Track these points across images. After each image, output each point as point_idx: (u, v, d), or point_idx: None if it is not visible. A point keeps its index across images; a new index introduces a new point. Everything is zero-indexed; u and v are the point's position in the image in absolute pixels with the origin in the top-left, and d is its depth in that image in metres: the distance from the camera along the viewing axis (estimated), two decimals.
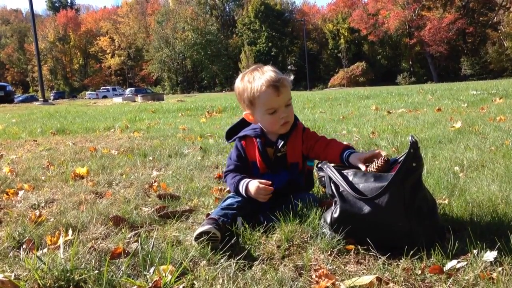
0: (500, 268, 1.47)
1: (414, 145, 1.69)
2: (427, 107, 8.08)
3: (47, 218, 2.26)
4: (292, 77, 2.15)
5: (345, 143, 2.13)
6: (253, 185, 2.03)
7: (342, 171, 1.88)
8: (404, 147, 3.70)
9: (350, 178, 1.83)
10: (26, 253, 1.78)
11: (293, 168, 2.19)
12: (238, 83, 2.18)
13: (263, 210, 2.10)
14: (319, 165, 1.95)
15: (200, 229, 1.79)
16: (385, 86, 40.35)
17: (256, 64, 2.21)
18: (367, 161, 1.92)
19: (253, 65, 2.23)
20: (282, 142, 2.16)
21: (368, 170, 1.85)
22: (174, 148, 4.47)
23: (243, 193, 2.07)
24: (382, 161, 1.84)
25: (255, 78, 2.08)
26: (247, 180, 2.09)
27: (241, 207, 2.04)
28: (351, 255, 1.68)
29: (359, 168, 1.90)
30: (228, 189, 2.64)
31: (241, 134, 2.25)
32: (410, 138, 1.71)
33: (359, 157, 1.94)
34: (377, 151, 1.94)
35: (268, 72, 2.08)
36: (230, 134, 2.33)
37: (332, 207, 1.85)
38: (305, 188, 2.29)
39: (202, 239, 1.77)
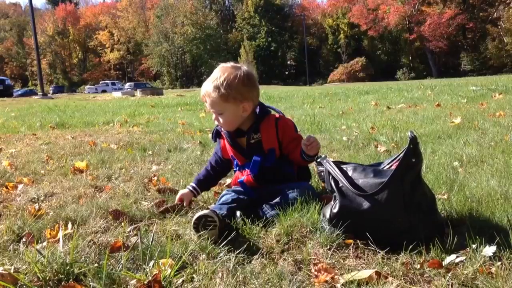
0: (499, 263, 1.47)
1: (414, 141, 1.69)
2: (427, 103, 8.07)
3: (46, 211, 2.26)
4: (219, 92, 2.12)
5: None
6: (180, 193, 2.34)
7: (341, 166, 1.88)
8: (404, 143, 3.71)
9: (350, 173, 1.83)
10: (25, 246, 1.78)
11: (270, 153, 2.24)
12: None
13: (258, 202, 2.13)
14: (318, 160, 1.95)
15: (198, 214, 1.83)
16: (384, 81, 40.27)
17: (232, 65, 2.21)
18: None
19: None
20: (251, 129, 2.24)
21: None
22: (174, 142, 4.47)
23: None
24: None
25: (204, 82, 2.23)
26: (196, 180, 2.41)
27: (236, 201, 2.11)
28: (350, 249, 1.69)
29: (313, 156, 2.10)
30: (226, 184, 2.66)
31: (215, 130, 2.36)
32: (409, 133, 1.71)
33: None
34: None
35: (210, 82, 2.16)
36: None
37: (332, 202, 1.85)
38: (300, 179, 2.32)
39: (200, 224, 1.81)
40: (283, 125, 2.27)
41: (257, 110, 2.27)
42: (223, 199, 2.16)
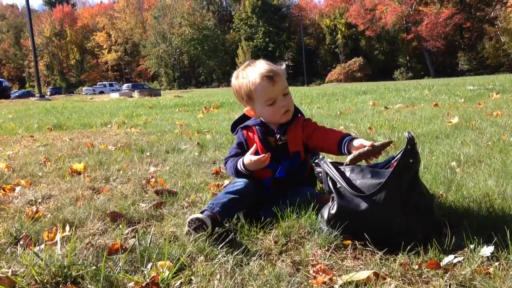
0: (496, 263, 1.48)
1: (411, 142, 1.69)
2: (424, 103, 8.09)
3: (44, 214, 2.26)
4: (284, 65, 2.21)
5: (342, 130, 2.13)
6: (247, 158, 2.08)
7: (339, 167, 1.88)
8: (401, 143, 3.71)
9: (347, 174, 1.83)
10: (23, 249, 1.77)
11: (295, 156, 2.19)
12: (234, 81, 2.22)
13: (266, 200, 2.12)
14: (316, 161, 1.95)
15: (196, 216, 1.83)
16: (382, 81, 40.36)
17: (248, 60, 2.24)
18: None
19: (246, 62, 2.26)
20: (280, 130, 2.19)
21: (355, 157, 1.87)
22: (171, 143, 4.46)
23: (243, 168, 2.11)
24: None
25: (248, 73, 2.13)
26: (242, 157, 2.15)
27: (245, 194, 2.04)
28: (348, 250, 1.69)
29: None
30: (224, 185, 2.65)
31: (242, 125, 2.29)
32: (406, 134, 1.71)
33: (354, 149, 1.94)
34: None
35: (260, 65, 2.12)
36: (235, 127, 2.35)
37: (329, 203, 1.85)
38: (308, 184, 2.30)
39: (192, 227, 1.82)
40: (306, 126, 2.21)
41: None
42: (232, 188, 2.07)
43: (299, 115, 2.27)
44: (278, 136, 2.20)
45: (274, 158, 2.18)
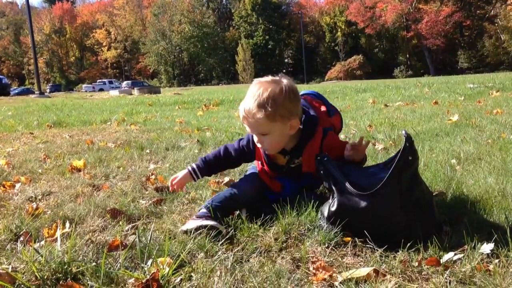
0: (496, 260, 1.48)
1: (409, 139, 1.69)
2: (424, 100, 8.08)
3: (44, 210, 2.26)
4: (265, 111, 1.85)
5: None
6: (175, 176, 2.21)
7: (342, 166, 1.88)
8: (402, 140, 3.71)
9: (350, 172, 1.83)
10: (23, 245, 1.78)
11: (306, 176, 2.11)
12: None
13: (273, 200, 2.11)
14: (318, 158, 1.93)
15: (207, 223, 1.84)
16: (382, 79, 40.31)
17: (272, 79, 1.96)
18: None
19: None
20: (295, 153, 2.07)
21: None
22: (171, 141, 4.46)
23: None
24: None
25: (243, 101, 1.96)
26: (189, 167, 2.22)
27: (245, 198, 2.06)
28: (348, 247, 1.69)
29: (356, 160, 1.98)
30: (225, 182, 2.65)
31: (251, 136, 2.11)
32: (403, 132, 1.72)
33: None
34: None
35: (247, 97, 1.92)
36: None
37: (330, 200, 1.85)
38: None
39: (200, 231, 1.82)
40: (328, 145, 2.04)
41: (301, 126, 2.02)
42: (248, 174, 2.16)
43: (315, 132, 2.03)
44: (292, 160, 2.08)
45: (283, 174, 2.15)
